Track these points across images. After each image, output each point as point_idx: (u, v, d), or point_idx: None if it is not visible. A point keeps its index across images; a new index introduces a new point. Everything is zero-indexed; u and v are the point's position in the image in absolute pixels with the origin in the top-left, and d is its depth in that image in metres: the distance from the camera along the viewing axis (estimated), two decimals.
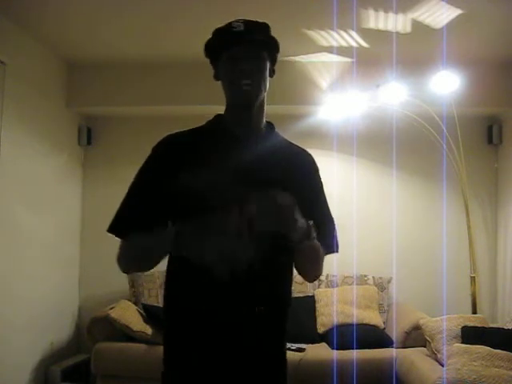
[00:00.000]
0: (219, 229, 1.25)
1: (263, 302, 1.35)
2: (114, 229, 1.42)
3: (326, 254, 1.45)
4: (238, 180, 1.32)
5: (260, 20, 1.43)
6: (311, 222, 1.29)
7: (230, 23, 1.39)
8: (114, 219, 1.43)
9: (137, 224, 1.36)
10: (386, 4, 3.09)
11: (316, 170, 1.53)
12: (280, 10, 3.19)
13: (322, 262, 1.44)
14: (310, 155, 1.54)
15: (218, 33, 1.42)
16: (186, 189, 1.31)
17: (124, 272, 1.47)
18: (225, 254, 1.25)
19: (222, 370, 1.34)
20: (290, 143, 1.53)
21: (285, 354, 1.48)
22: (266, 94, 1.43)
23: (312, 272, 1.49)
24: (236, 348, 1.34)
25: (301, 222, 1.25)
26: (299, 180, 1.43)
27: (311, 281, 1.57)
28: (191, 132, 1.47)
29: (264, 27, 1.43)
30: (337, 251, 1.49)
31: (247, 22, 1.38)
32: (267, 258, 1.32)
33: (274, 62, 1.46)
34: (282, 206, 1.21)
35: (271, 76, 1.45)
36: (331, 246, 1.47)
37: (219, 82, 1.44)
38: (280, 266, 1.40)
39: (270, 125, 1.49)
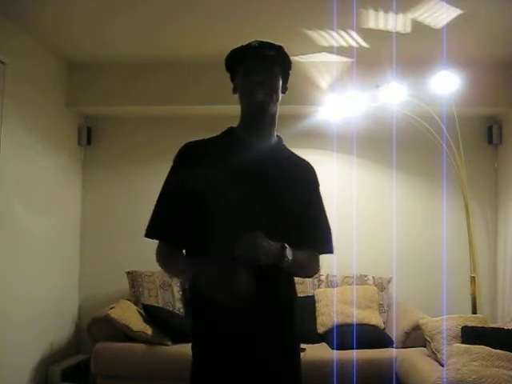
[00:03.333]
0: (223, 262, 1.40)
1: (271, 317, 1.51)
2: (150, 233, 1.55)
3: (322, 253, 1.65)
4: (251, 186, 1.48)
5: (275, 42, 1.59)
6: (285, 245, 1.44)
7: (248, 43, 1.56)
8: (149, 225, 1.56)
9: (169, 226, 1.53)
10: (386, 4, 3.09)
11: (318, 184, 1.68)
12: (280, 10, 3.19)
13: (312, 264, 1.63)
14: (313, 169, 1.69)
15: (236, 49, 1.58)
16: (205, 193, 1.47)
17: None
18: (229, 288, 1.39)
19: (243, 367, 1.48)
20: (296, 155, 1.67)
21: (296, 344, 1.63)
22: (277, 108, 1.57)
23: (304, 275, 1.73)
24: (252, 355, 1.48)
25: (270, 250, 1.40)
26: (303, 190, 1.61)
27: (309, 277, 1.81)
28: (208, 141, 1.59)
29: (278, 47, 1.58)
30: (332, 252, 1.67)
31: (263, 42, 1.55)
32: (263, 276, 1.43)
33: (286, 78, 1.61)
34: (257, 244, 1.38)
35: (283, 92, 1.60)
36: (328, 247, 1.66)
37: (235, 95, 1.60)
38: (275, 278, 1.51)
39: (278, 137, 1.64)
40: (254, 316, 1.46)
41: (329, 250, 1.66)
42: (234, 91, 1.60)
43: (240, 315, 1.43)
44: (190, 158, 1.54)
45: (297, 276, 1.64)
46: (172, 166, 1.58)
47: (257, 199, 1.48)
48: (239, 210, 1.46)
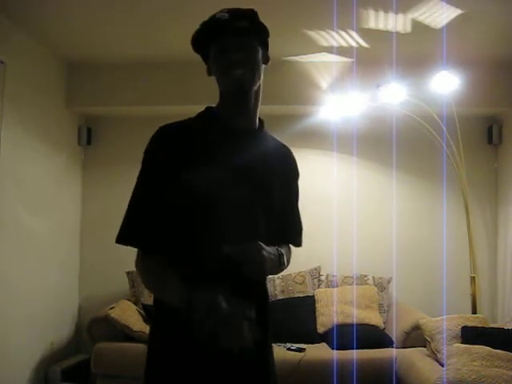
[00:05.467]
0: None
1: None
2: (124, 238, 1.31)
3: (295, 246, 1.54)
4: (234, 173, 1.32)
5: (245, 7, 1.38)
6: (281, 251, 1.36)
7: (214, 14, 1.34)
8: (123, 227, 1.32)
9: (149, 228, 1.30)
10: (386, 4, 3.09)
11: (298, 173, 1.56)
12: (280, 10, 3.19)
13: (289, 257, 1.51)
14: (294, 157, 1.55)
15: (203, 26, 1.37)
16: (187, 182, 1.29)
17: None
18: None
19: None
20: (278, 141, 1.53)
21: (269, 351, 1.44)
22: (260, 84, 1.39)
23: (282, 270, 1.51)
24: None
25: (272, 260, 1.30)
26: (286, 179, 1.49)
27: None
28: (184, 124, 1.40)
29: (250, 14, 1.36)
30: (301, 246, 1.56)
31: (232, 11, 1.33)
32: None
33: (265, 47, 1.41)
34: (262, 258, 1.25)
35: (265, 63, 1.40)
36: (300, 240, 1.56)
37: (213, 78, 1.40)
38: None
39: (261, 120, 1.46)
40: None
41: (300, 243, 1.56)
42: (209, 72, 1.40)
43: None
44: (167, 144, 1.35)
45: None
46: (146, 155, 1.38)
47: (242, 188, 1.33)
48: (225, 201, 1.31)
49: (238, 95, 1.36)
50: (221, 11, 1.33)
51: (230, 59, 1.31)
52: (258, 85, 1.37)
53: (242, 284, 1.27)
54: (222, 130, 1.38)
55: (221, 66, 1.34)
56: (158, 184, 1.32)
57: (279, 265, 1.35)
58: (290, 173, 1.53)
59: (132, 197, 1.36)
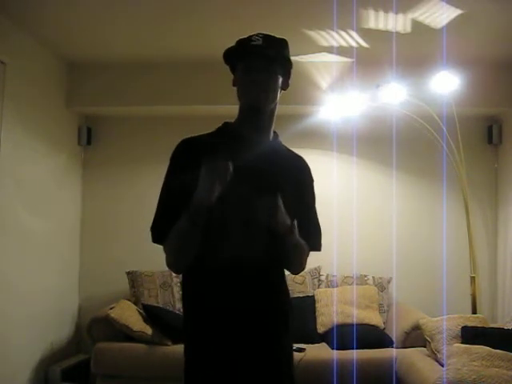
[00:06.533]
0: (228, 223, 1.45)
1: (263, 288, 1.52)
2: (160, 237, 1.50)
3: (311, 250, 1.63)
4: (251, 182, 1.45)
5: (278, 35, 1.56)
6: (295, 222, 1.47)
7: (250, 36, 1.53)
8: (157, 229, 1.52)
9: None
10: (386, 4, 3.09)
11: (313, 179, 1.70)
12: (280, 10, 3.19)
13: (306, 257, 1.62)
14: (308, 164, 1.70)
15: (238, 43, 1.55)
16: None
17: (178, 272, 1.62)
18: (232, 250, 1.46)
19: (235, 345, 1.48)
20: (291, 151, 1.68)
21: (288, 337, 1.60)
22: (276, 104, 1.57)
23: (295, 265, 1.65)
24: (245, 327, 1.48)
25: (286, 219, 1.44)
26: (300, 185, 1.63)
27: (295, 273, 1.70)
28: (204, 137, 1.58)
29: (280, 43, 1.56)
30: (320, 250, 1.68)
31: (266, 37, 1.52)
32: (263, 249, 1.50)
33: (287, 75, 1.59)
34: (277, 205, 1.42)
35: (284, 89, 1.59)
36: (318, 244, 1.67)
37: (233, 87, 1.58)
38: (272, 256, 1.53)
39: (275, 133, 1.63)
40: (248, 316, 1.48)
41: (318, 247, 1.66)
42: (234, 83, 1.59)
43: (234, 314, 1.46)
44: (189, 154, 1.52)
45: (290, 265, 1.63)
46: (171, 163, 1.56)
47: (256, 196, 1.45)
48: (240, 208, 1.45)
49: (254, 112, 1.54)
50: (257, 35, 1.52)
51: (253, 79, 1.50)
52: (273, 106, 1.57)
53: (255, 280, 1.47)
54: (238, 142, 1.55)
55: (243, 82, 1.53)
56: (179, 190, 1.48)
57: (292, 227, 1.46)
58: (305, 179, 1.67)
59: (159, 201, 1.54)
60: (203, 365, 1.49)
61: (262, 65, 1.50)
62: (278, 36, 1.56)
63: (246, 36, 1.54)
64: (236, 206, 1.46)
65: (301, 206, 1.59)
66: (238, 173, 1.40)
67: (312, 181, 1.69)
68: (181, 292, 1.61)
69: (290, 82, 1.61)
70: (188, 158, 1.50)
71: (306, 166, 1.69)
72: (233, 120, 1.62)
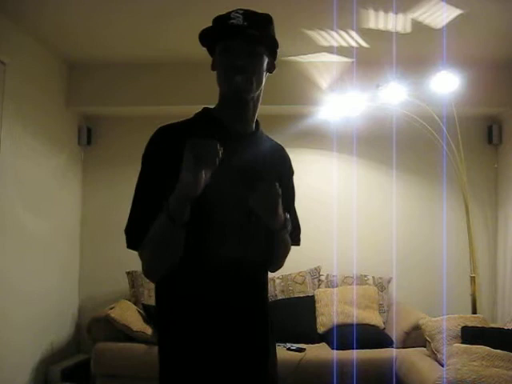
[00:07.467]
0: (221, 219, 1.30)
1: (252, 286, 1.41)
2: (134, 243, 1.34)
3: (292, 245, 1.51)
4: (232, 173, 1.32)
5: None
6: (288, 215, 1.38)
7: (229, 13, 1.33)
8: (129, 233, 1.34)
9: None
10: (386, 4, 3.09)
11: (293, 171, 1.58)
12: (280, 9, 3.19)
13: (288, 250, 1.51)
14: (288, 155, 1.57)
15: (215, 22, 1.36)
16: None
17: (154, 281, 1.44)
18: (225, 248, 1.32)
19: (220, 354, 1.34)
20: (273, 140, 1.54)
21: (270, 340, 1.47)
22: (261, 90, 1.39)
23: (279, 262, 1.54)
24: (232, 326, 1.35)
25: (281, 213, 1.34)
26: (283, 176, 1.48)
27: (274, 271, 1.58)
28: (182, 124, 1.40)
29: (264, 21, 1.36)
30: (299, 244, 1.56)
31: (247, 14, 1.31)
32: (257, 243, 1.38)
33: (273, 57, 1.39)
34: (275, 195, 1.29)
35: (271, 71, 1.41)
36: (297, 239, 1.56)
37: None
38: (264, 253, 1.43)
39: (257, 122, 1.47)
40: (239, 316, 1.36)
41: (298, 242, 1.56)
42: (213, 67, 1.39)
43: (226, 314, 1.33)
44: (166, 144, 1.33)
45: (275, 262, 1.51)
46: (146, 154, 1.37)
47: (240, 188, 1.31)
48: (223, 201, 1.30)
49: (236, 100, 1.36)
50: (236, 11, 1.32)
51: (234, 64, 1.30)
52: (258, 92, 1.37)
53: (243, 277, 1.34)
54: (219, 131, 1.36)
55: (224, 67, 1.33)
56: (158, 184, 1.31)
57: (285, 219, 1.37)
58: (286, 172, 1.55)
59: (134, 199, 1.36)
60: (188, 365, 1.34)
61: (244, 47, 1.30)
62: (260, 11, 1.35)
63: (223, 13, 1.35)
64: (229, 200, 1.31)
65: (286, 199, 1.43)
66: (221, 168, 1.21)
67: (293, 173, 1.56)
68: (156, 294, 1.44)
69: (276, 63, 1.41)
70: (166, 148, 1.32)
71: (287, 157, 1.55)
72: (213, 106, 1.45)
